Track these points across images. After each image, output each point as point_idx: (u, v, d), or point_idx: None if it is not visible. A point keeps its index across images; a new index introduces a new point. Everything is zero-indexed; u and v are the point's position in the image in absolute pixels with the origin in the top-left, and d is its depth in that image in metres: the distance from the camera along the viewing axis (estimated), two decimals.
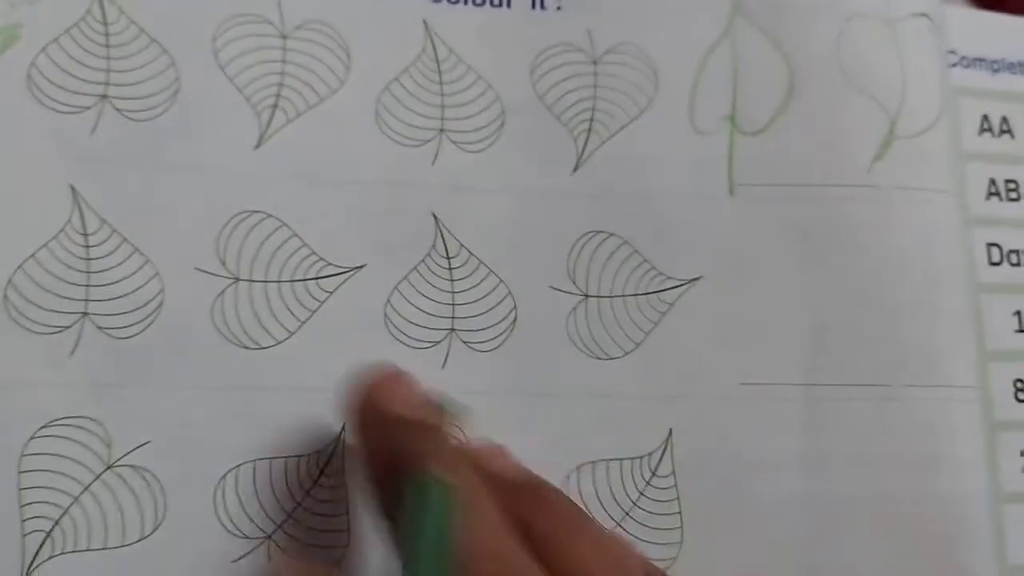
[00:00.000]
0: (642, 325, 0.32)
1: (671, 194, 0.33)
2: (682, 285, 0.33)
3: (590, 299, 0.32)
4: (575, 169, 0.33)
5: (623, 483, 0.32)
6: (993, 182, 0.37)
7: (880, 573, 0.32)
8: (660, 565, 0.31)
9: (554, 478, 0.31)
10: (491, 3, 0.34)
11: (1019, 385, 0.36)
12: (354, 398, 0.27)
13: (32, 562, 0.28)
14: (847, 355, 0.32)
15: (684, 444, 0.32)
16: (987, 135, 0.38)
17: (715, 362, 0.32)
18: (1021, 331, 0.37)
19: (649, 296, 0.33)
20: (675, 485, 0.32)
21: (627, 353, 0.32)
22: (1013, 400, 0.36)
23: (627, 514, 0.31)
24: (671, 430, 0.32)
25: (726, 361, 0.32)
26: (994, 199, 0.37)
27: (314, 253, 0.31)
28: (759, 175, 0.33)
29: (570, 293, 0.32)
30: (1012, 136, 0.38)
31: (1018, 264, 0.37)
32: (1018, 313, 0.37)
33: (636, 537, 0.31)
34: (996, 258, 0.37)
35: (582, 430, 0.32)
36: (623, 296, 0.33)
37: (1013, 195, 0.37)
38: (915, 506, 0.32)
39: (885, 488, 0.32)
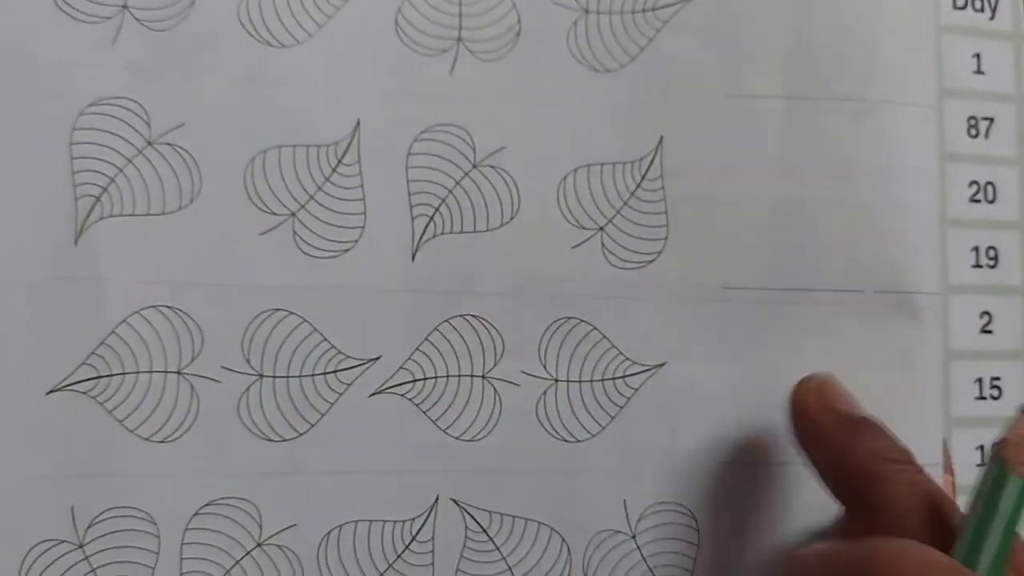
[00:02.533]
0: (637, 40, 0.35)
1: None
2: (676, 3, 0.36)
3: (589, 15, 0.35)
4: None
5: (615, 185, 0.35)
6: None
7: (836, 273, 0.35)
8: (647, 258, 0.35)
9: (552, 179, 0.34)
10: None
11: (972, 122, 0.40)
12: (805, 400, 0.33)
13: (85, 221, 0.31)
14: (826, 71, 0.36)
15: (673, 150, 0.35)
16: None
17: (704, 75, 0.35)
18: (978, 72, 0.40)
19: (646, 13, 0.35)
20: (662, 188, 0.35)
21: (623, 66, 0.35)
22: (965, 136, 0.39)
23: (618, 212, 0.35)
24: (662, 137, 0.35)
25: (714, 76, 0.35)
26: None
27: None
28: None
29: (571, 9, 0.35)
30: None
31: (981, 10, 0.40)
32: (977, 56, 0.40)
33: (625, 233, 0.35)
34: (961, 3, 0.40)
35: (579, 136, 0.35)
36: (620, 13, 0.35)
37: None
38: (874, 212, 0.35)
39: (850, 193, 0.35)
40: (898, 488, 0.30)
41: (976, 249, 0.39)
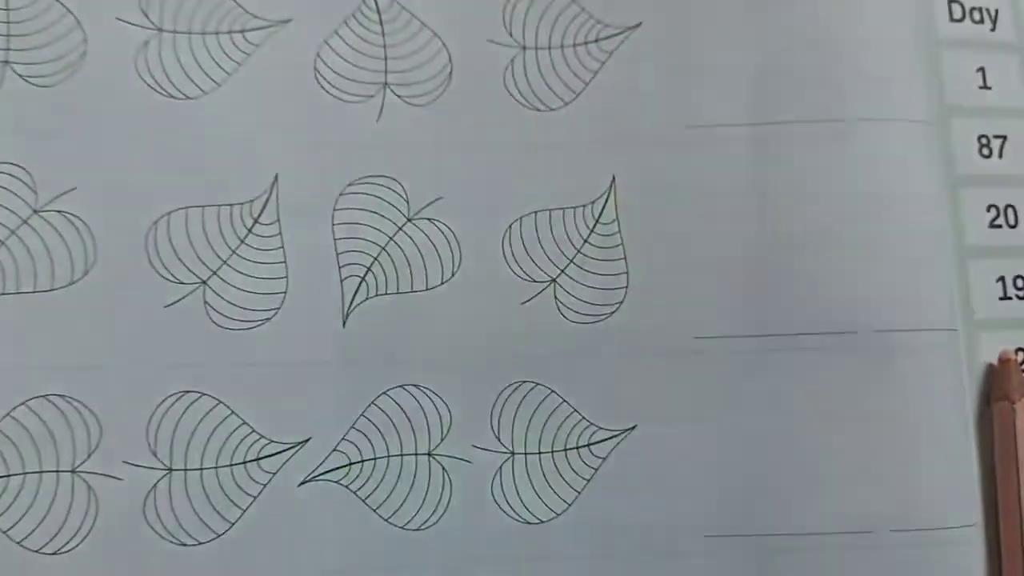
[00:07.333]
0: (581, 75, 0.32)
1: None
2: (622, 32, 0.32)
3: (527, 51, 0.32)
4: None
5: (566, 231, 0.31)
6: None
7: (824, 313, 0.31)
8: (607, 310, 0.30)
9: (496, 229, 0.30)
10: None
11: (983, 141, 0.35)
12: None
13: None
14: (796, 92, 0.31)
15: (628, 190, 0.31)
16: None
17: (658, 107, 0.32)
18: (984, 87, 0.36)
19: (588, 45, 0.32)
20: (619, 232, 0.31)
21: (567, 103, 0.32)
22: (976, 155, 0.35)
23: (571, 261, 0.31)
24: (614, 177, 0.31)
25: (669, 106, 0.32)
26: None
27: (239, 7, 0.31)
28: None
29: (507, 46, 0.32)
30: None
31: (981, 21, 0.36)
32: (982, 69, 0.36)
33: (580, 283, 0.31)
34: (958, 15, 0.36)
35: (524, 181, 0.31)
36: (561, 47, 0.32)
37: None
38: (870, 239, 0.31)
39: (835, 223, 0.31)
40: None
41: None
